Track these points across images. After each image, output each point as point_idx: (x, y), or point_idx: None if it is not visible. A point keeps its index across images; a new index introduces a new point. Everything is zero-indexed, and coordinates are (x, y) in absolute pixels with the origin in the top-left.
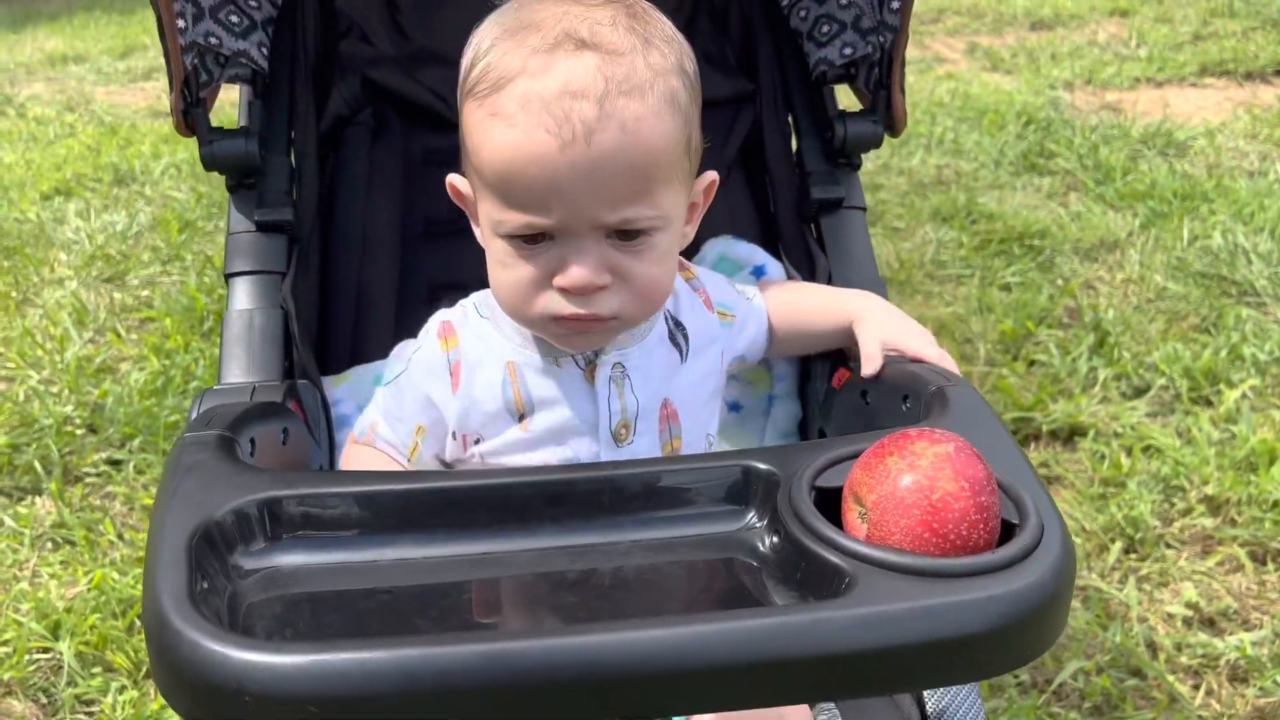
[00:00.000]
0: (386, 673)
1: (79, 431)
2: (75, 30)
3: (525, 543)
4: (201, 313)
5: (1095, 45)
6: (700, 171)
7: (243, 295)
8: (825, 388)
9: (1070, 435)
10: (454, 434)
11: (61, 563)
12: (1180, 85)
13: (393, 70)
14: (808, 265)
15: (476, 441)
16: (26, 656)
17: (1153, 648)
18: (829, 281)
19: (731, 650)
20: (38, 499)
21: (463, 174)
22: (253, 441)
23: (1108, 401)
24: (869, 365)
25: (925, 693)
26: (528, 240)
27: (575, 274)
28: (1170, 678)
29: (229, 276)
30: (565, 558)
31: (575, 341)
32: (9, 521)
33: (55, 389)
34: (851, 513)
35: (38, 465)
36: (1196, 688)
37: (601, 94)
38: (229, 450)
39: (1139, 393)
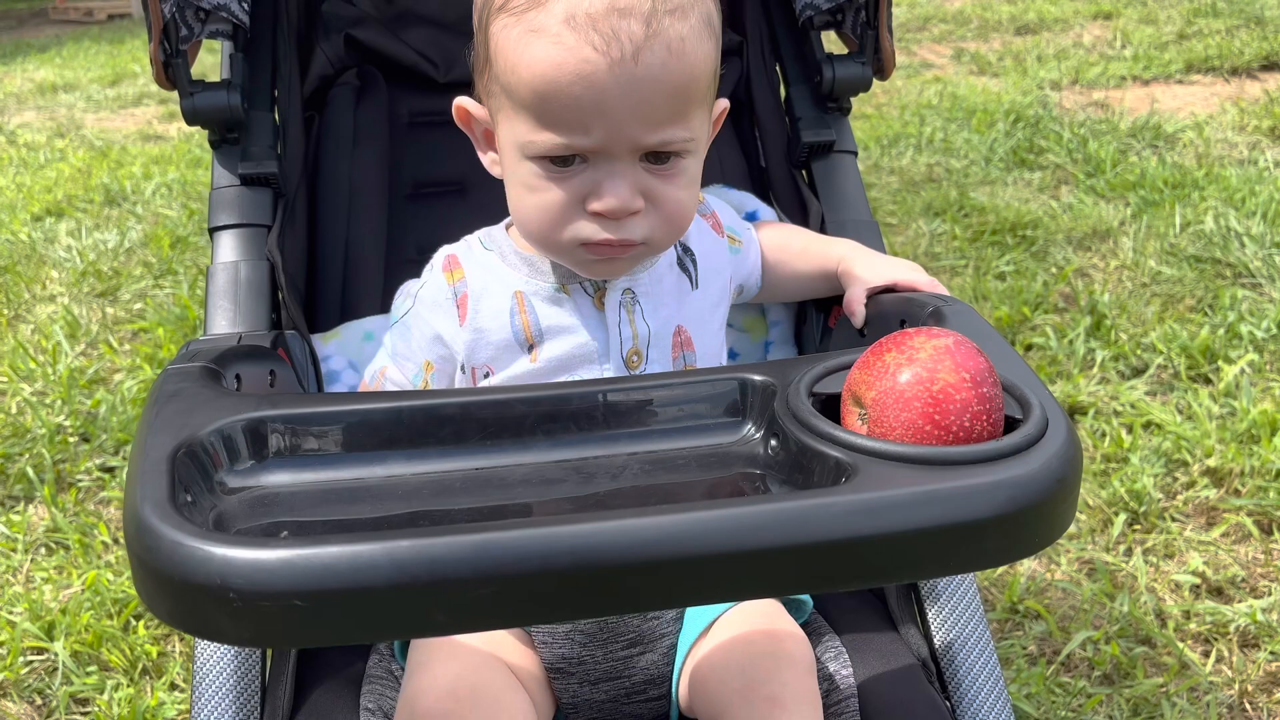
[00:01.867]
0: (376, 563)
1: (72, 440)
2: (65, 60)
3: (520, 458)
4: (194, 321)
5: (1080, 47)
6: None
7: (228, 248)
8: (821, 328)
9: (1070, 415)
10: (463, 367)
11: (56, 567)
12: (1167, 83)
13: (377, 29)
14: (800, 211)
15: (486, 375)
16: (21, 658)
17: (1161, 617)
18: (821, 224)
19: (731, 537)
20: (31, 506)
21: (475, 99)
22: (238, 377)
23: (1106, 381)
24: (856, 314)
25: (933, 625)
26: (559, 163)
27: (611, 197)
28: (1180, 645)
29: (213, 231)
30: (560, 471)
31: (599, 268)
32: (2, 529)
33: (48, 400)
34: (851, 415)
35: (30, 473)
36: (1207, 654)
37: (648, 13)
38: (214, 379)
39: (1137, 372)
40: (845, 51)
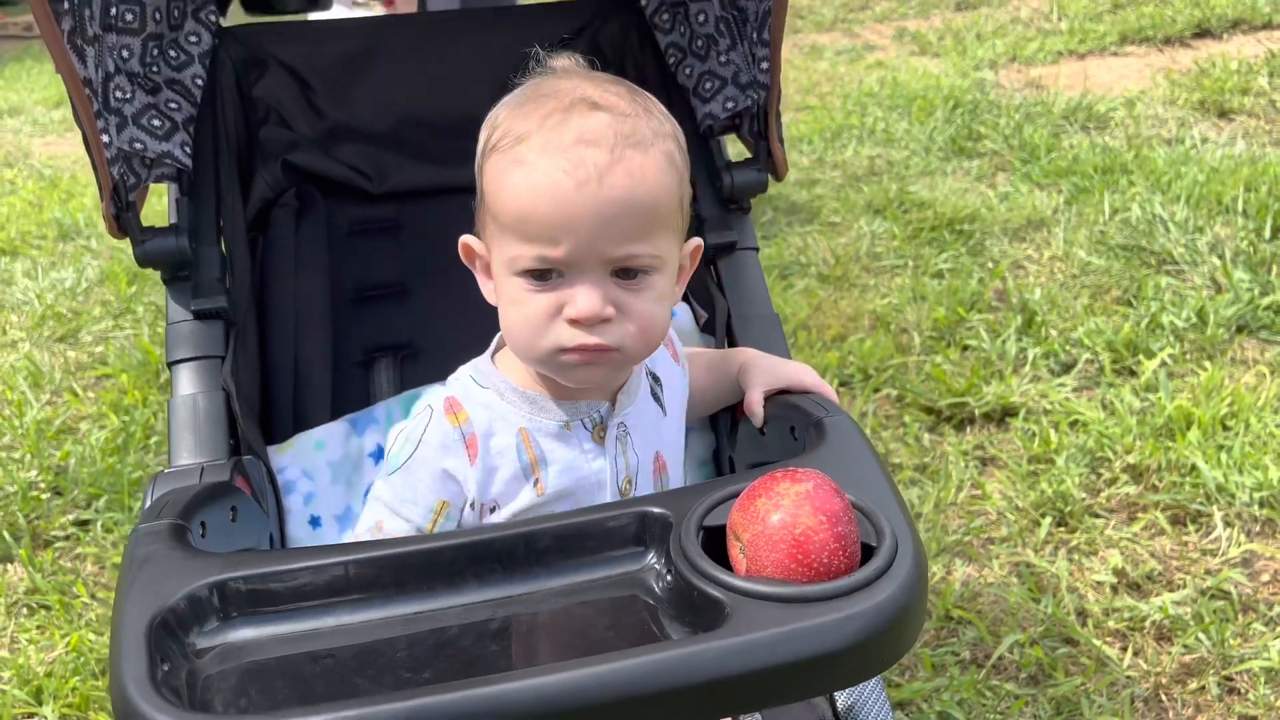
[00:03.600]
0: None
1: (44, 496)
2: (7, 82)
3: (452, 599)
4: (156, 366)
5: (1018, 22)
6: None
7: (186, 381)
8: (730, 420)
9: (1003, 416)
10: (472, 504)
11: (38, 627)
12: (1101, 55)
13: (311, 152)
14: (710, 306)
15: (493, 509)
16: None
17: (1083, 615)
18: (728, 320)
19: (625, 686)
20: (9, 566)
21: (475, 235)
22: (204, 524)
23: (1037, 380)
24: (755, 415)
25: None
26: (538, 276)
27: (583, 304)
28: (1098, 642)
29: (171, 364)
30: (487, 609)
31: (579, 374)
32: None
33: (17, 454)
34: (734, 548)
35: (6, 534)
36: (1124, 649)
37: (612, 144)
38: (180, 538)
39: (1066, 368)
40: (746, 151)
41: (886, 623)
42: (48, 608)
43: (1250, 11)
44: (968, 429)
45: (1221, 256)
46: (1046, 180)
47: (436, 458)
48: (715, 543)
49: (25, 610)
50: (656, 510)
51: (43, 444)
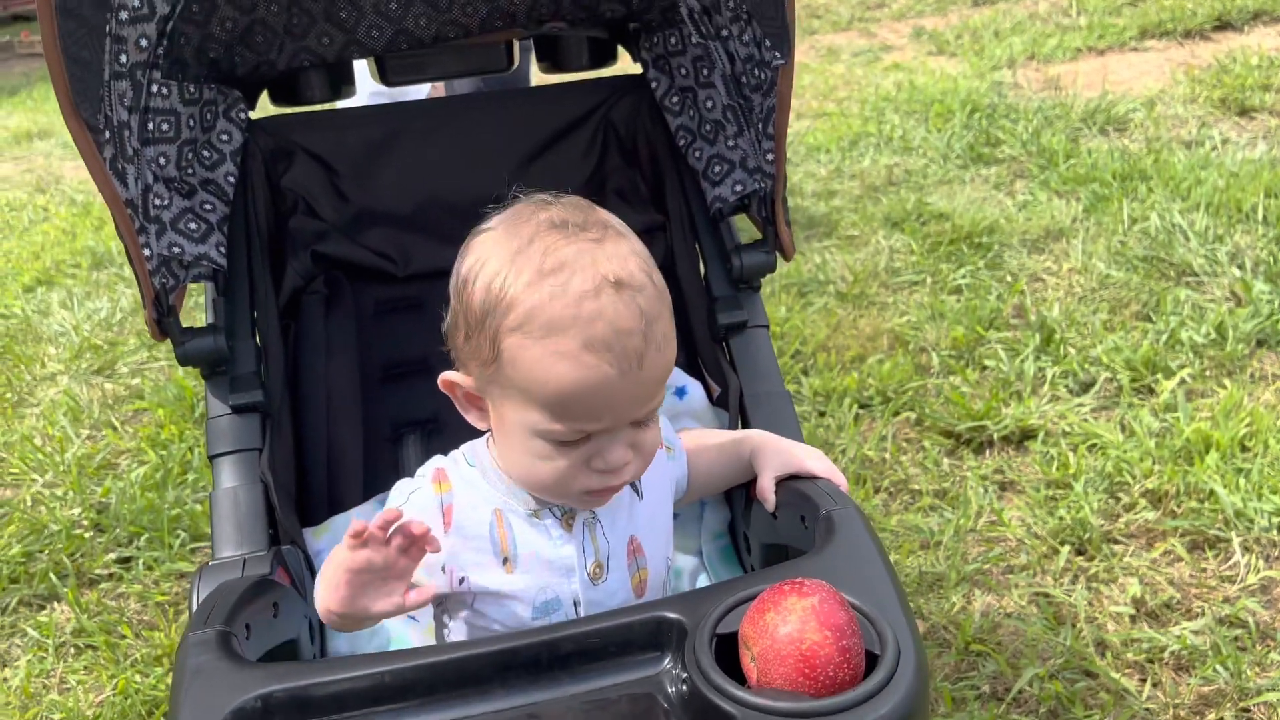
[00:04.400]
0: None
1: (87, 534)
2: (36, 103)
3: (481, 707)
4: (191, 400)
5: (1036, 18)
6: None
7: (226, 475)
8: (745, 496)
9: (1021, 439)
10: (443, 568)
11: (85, 668)
12: (1121, 51)
13: (338, 240)
14: (723, 382)
15: (461, 580)
16: None
17: (1101, 646)
18: (740, 397)
19: None
20: (56, 605)
21: (455, 369)
22: (248, 627)
23: (1056, 400)
24: (767, 500)
25: None
26: (567, 439)
27: (615, 459)
28: (1116, 675)
29: (212, 458)
30: (514, 715)
31: (594, 504)
32: (32, 632)
33: (59, 491)
34: (745, 657)
35: (53, 576)
36: (1143, 681)
37: (644, 329)
38: (227, 646)
39: (1085, 388)
40: (755, 228)
41: None
42: (94, 648)
43: (1271, 2)
44: (987, 452)
45: (1241, 267)
46: (1065, 188)
47: (417, 517)
48: (729, 647)
49: (73, 650)
50: (672, 616)
51: (84, 481)
